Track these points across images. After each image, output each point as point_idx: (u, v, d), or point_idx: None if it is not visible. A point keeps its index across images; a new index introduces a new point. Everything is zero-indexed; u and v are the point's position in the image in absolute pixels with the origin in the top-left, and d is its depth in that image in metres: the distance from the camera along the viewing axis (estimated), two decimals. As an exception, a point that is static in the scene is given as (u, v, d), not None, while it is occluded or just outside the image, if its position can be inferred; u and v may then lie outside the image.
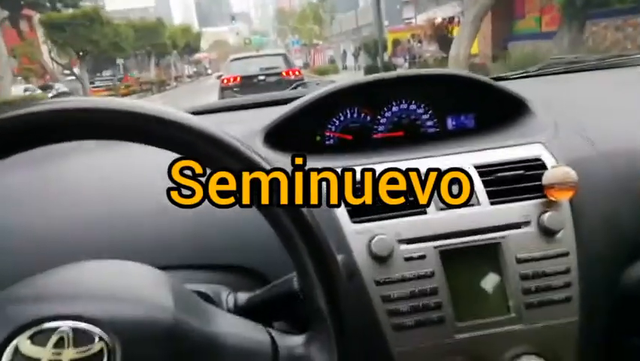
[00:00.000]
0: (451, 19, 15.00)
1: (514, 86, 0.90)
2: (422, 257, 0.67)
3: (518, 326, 0.67)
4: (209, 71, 53.78)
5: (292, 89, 1.86)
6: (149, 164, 0.83)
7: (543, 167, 0.74)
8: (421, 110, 0.92)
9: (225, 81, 8.86)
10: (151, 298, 0.42)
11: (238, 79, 8.73)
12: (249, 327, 0.46)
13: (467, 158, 0.77)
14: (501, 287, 0.68)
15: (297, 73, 9.19)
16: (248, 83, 8.57)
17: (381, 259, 0.67)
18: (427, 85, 0.93)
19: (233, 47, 63.96)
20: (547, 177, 0.70)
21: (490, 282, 0.68)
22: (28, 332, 0.37)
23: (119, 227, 0.70)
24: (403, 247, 0.68)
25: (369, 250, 0.67)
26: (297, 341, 0.45)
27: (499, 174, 0.73)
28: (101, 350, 0.37)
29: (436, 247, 0.68)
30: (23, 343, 0.37)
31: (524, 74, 1.12)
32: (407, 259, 0.67)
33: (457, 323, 0.66)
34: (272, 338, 0.45)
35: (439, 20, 15.21)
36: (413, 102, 0.92)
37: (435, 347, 0.66)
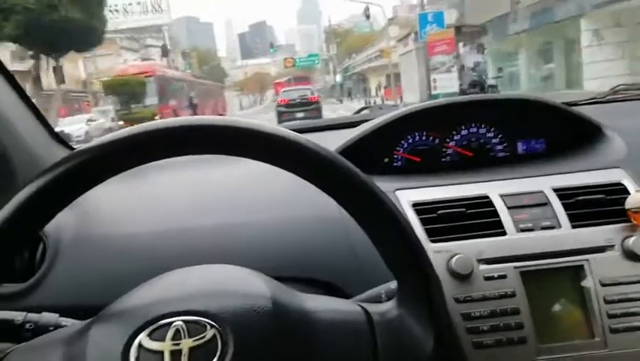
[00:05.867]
0: None
1: (585, 112, 0.90)
2: (503, 277, 0.67)
3: (603, 351, 0.65)
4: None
5: (357, 113, 1.90)
6: (227, 181, 0.88)
7: (624, 191, 0.74)
8: (490, 134, 0.93)
9: (280, 102, 17.32)
10: (249, 287, 0.46)
11: (286, 100, 16.96)
12: (339, 302, 0.50)
13: (543, 181, 0.77)
14: (584, 310, 0.67)
15: (315, 98, 17.32)
16: (291, 103, 16.63)
17: (461, 278, 0.67)
18: (497, 109, 0.94)
19: (273, 78, 63.94)
20: (631, 202, 0.69)
21: (572, 304, 0.67)
22: (147, 330, 0.41)
23: (207, 239, 0.74)
24: (483, 266, 0.68)
25: (448, 269, 0.67)
26: (387, 306, 0.48)
27: (579, 198, 0.73)
28: (214, 336, 0.41)
29: (516, 268, 0.68)
30: (144, 339, 0.41)
31: (593, 100, 1.11)
32: (487, 278, 0.67)
33: (539, 344, 0.65)
34: (362, 307, 0.48)
35: None
36: (482, 126, 0.93)
37: None
